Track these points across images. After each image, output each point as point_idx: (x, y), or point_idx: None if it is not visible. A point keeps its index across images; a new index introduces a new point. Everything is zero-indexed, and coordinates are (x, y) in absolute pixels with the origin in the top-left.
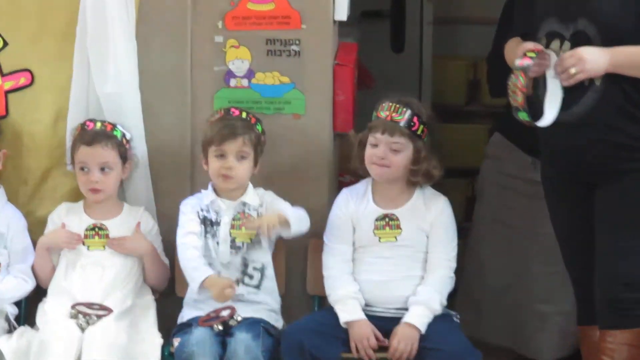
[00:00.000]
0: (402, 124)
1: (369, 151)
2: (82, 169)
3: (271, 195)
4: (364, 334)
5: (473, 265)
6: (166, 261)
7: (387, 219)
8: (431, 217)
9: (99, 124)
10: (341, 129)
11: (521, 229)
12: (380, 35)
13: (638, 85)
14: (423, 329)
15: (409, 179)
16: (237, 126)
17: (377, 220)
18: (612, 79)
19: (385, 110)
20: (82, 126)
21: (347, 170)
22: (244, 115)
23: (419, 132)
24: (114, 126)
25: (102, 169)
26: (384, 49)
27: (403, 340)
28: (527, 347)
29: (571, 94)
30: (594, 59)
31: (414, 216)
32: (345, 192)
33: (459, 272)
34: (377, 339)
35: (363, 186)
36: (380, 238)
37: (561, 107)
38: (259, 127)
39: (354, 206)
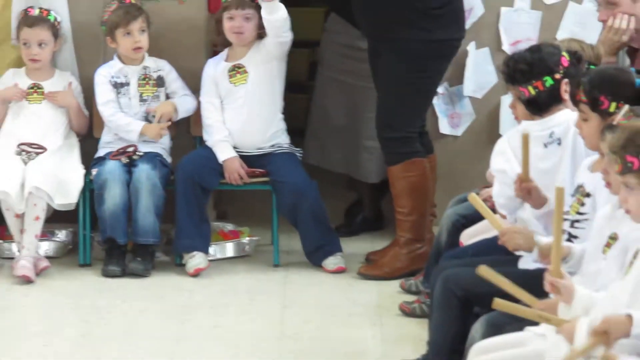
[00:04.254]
0: None
1: (228, 24)
2: (24, 44)
3: (167, 65)
4: (234, 169)
5: (318, 112)
6: (86, 113)
7: (236, 68)
8: (266, 42)
9: (37, 11)
10: (214, 11)
11: (354, 85)
12: None
13: None
14: None
15: (256, 37)
16: (133, 10)
17: (229, 71)
18: None
19: None
20: (25, 12)
21: (222, 44)
22: (133, 0)
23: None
24: (48, 12)
25: (40, 45)
26: None
27: None
28: (358, 172)
29: None
30: None
31: (257, 59)
32: (209, 61)
33: (306, 118)
34: (245, 170)
35: (222, 53)
36: (234, 84)
37: None
38: (143, 7)
39: (213, 69)
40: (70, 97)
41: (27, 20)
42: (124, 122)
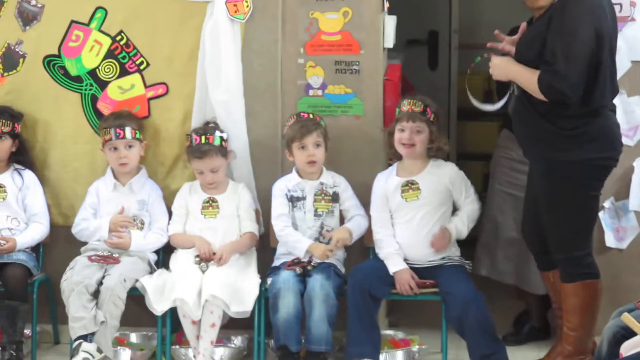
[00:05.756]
0: (420, 113)
1: (397, 135)
2: (199, 173)
3: (343, 182)
4: (405, 280)
5: (489, 225)
6: (256, 228)
7: (409, 184)
8: (447, 176)
9: (203, 138)
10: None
11: (523, 198)
12: (420, 57)
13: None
14: (453, 232)
15: (427, 154)
16: (309, 124)
17: (402, 187)
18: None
19: (406, 105)
20: (191, 139)
21: (394, 156)
22: (311, 115)
23: (431, 119)
24: (213, 136)
25: (212, 171)
26: (422, 67)
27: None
28: (527, 284)
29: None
30: (497, 66)
31: (430, 179)
32: (378, 176)
33: (477, 230)
34: (415, 281)
35: (392, 167)
36: (406, 199)
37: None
38: (322, 122)
39: (384, 183)
40: (230, 251)
41: (195, 152)
42: (292, 239)
